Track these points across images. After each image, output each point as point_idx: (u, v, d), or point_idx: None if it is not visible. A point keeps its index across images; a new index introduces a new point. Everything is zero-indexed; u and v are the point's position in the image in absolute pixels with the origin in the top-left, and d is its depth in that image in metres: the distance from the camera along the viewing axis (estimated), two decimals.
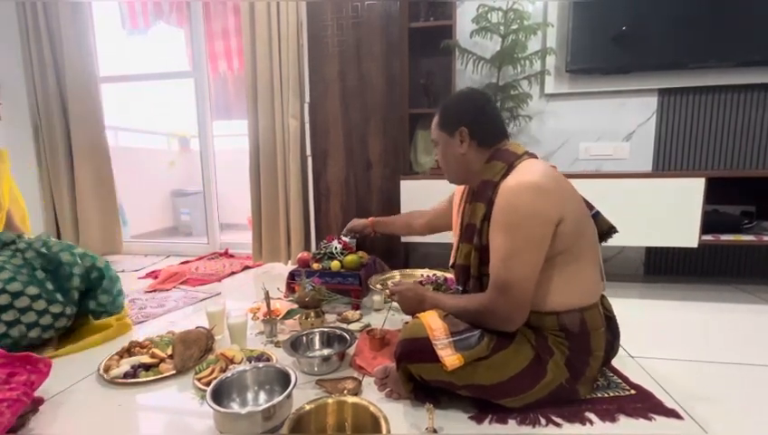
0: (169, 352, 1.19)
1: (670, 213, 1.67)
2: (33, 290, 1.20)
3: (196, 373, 1.09)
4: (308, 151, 2.05)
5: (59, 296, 1.25)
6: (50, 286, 1.25)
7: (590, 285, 0.95)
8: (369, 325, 1.42)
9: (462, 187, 1.19)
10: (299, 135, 2.16)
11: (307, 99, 2.02)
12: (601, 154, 2.07)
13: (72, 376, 1.13)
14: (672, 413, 0.91)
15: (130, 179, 3.18)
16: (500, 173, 0.95)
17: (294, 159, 2.16)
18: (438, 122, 1.07)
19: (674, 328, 1.44)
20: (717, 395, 1.00)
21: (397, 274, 1.58)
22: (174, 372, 1.12)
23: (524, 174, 0.90)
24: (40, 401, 0.96)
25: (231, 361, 1.12)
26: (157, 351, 1.19)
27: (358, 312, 1.54)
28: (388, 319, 1.52)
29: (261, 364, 0.99)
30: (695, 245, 1.67)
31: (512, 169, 0.94)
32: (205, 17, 2.65)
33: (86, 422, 0.94)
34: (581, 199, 0.98)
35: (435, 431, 0.82)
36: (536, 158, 0.99)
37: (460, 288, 1.06)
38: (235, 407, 0.92)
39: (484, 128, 1.01)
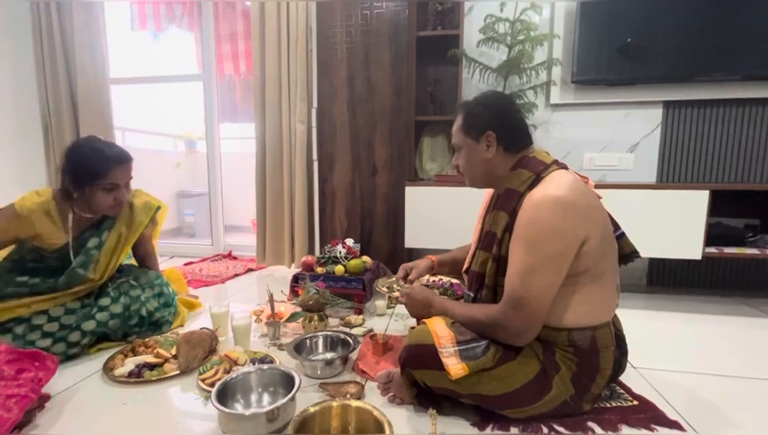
0: (174, 352, 1.20)
1: (674, 225, 1.68)
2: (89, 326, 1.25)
3: (200, 374, 1.09)
4: (314, 156, 2.07)
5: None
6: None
7: (606, 305, 0.93)
8: (371, 330, 1.43)
9: (488, 196, 1.14)
10: (306, 139, 2.18)
11: (315, 104, 2.04)
12: (606, 165, 2.08)
13: (77, 374, 1.14)
14: (675, 425, 0.92)
15: (136, 180, 3.19)
16: (526, 183, 0.91)
17: (301, 162, 2.18)
18: (462, 127, 1.02)
19: (676, 340, 1.44)
20: (719, 408, 1.00)
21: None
22: (178, 372, 1.12)
23: (551, 187, 0.86)
24: (46, 398, 0.97)
25: (235, 362, 1.13)
26: (161, 351, 1.20)
27: (361, 316, 1.55)
28: (391, 324, 1.52)
29: (266, 366, 0.99)
30: (698, 257, 1.67)
31: (539, 180, 0.90)
32: (215, 21, 2.69)
33: (90, 420, 0.95)
34: (608, 217, 0.94)
35: None
36: (566, 168, 0.95)
37: (471, 295, 1.04)
38: (239, 408, 0.92)
39: (511, 132, 0.97)
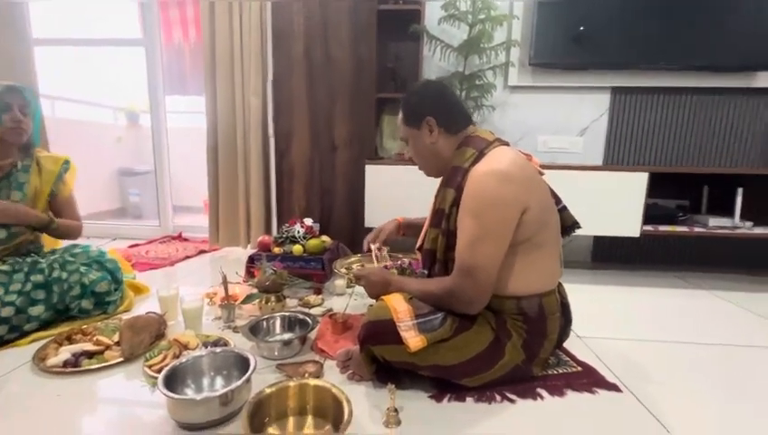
0: (116, 338, 1.12)
1: (616, 205, 1.79)
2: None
3: (147, 360, 1.03)
4: (270, 131, 1.97)
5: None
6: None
7: (550, 273, 0.99)
8: (331, 310, 1.41)
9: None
10: (261, 114, 2.07)
11: (270, 76, 1.93)
12: (557, 147, 2.16)
13: (3, 366, 1.04)
14: (613, 387, 0.99)
15: (69, 155, 2.90)
16: (470, 159, 0.95)
17: (255, 138, 2.07)
18: (404, 118, 1.06)
19: (617, 311, 1.56)
20: (652, 370, 1.09)
21: (361, 257, 1.57)
22: (121, 359, 1.05)
23: (493, 161, 0.91)
24: None
25: (185, 347, 1.07)
26: (102, 338, 1.11)
27: (320, 296, 1.53)
28: (351, 303, 1.52)
29: (218, 349, 0.95)
30: (637, 234, 1.80)
31: (482, 156, 0.94)
32: None
33: (19, 415, 0.86)
34: (548, 190, 1.01)
35: (396, 411, 0.84)
36: (507, 145, 1.01)
37: (426, 272, 1.06)
38: (190, 393, 0.88)
39: (448, 114, 1.02)
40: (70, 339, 1.14)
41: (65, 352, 1.05)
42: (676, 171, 1.87)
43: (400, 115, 1.07)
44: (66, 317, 1.30)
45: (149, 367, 1.00)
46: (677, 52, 1.93)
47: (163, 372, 0.85)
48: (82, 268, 1.32)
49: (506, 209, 0.87)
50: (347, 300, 1.55)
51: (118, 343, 1.10)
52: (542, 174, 1.02)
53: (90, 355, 1.06)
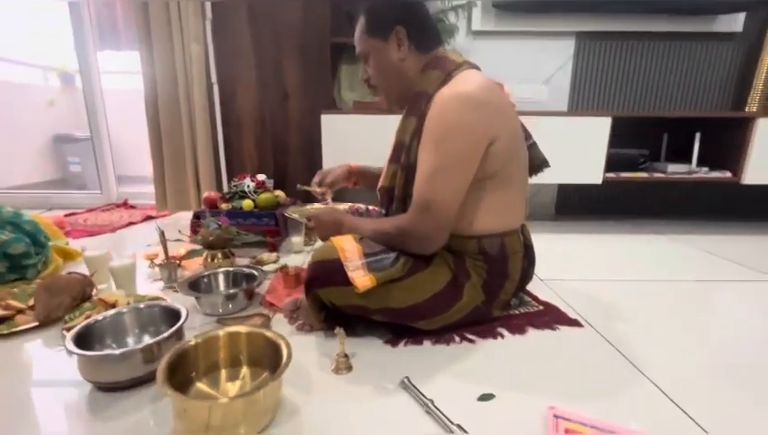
0: (32, 303, 0.98)
1: (580, 152, 1.76)
2: None
3: (66, 323, 0.90)
4: (213, 78, 1.78)
5: None
6: None
7: (515, 212, 0.92)
8: (285, 266, 1.31)
9: None
10: (203, 62, 1.86)
11: (209, 15, 1.72)
12: (522, 97, 2.09)
13: None
14: (574, 323, 0.97)
15: None
16: (435, 83, 0.84)
17: (200, 90, 1.87)
18: (366, 28, 0.90)
19: (578, 256, 1.55)
20: (611, 306, 1.08)
21: (317, 205, 1.46)
22: (36, 323, 0.92)
23: (461, 84, 0.80)
24: None
25: (112, 307, 0.95)
26: (13, 302, 0.97)
27: (274, 254, 1.42)
28: (309, 261, 1.42)
29: (142, 304, 0.84)
30: (599, 181, 1.79)
31: (449, 79, 0.83)
32: None
33: None
34: (518, 121, 0.91)
35: (346, 356, 0.77)
36: (478, 69, 0.89)
37: (383, 211, 0.97)
38: None
39: (422, 27, 0.88)
40: None
41: None
42: (638, 116, 1.86)
43: (361, 23, 0.90)
44: None
45: (68, 329, 0.88)
46: None
47: (74, 331, 0.73)
48: None
49: (471, 137, 0.78)
50: (304, 258, 1.46)
51: (32, 308, 0.96)
52: (513, 106, 0.91)
53: None
